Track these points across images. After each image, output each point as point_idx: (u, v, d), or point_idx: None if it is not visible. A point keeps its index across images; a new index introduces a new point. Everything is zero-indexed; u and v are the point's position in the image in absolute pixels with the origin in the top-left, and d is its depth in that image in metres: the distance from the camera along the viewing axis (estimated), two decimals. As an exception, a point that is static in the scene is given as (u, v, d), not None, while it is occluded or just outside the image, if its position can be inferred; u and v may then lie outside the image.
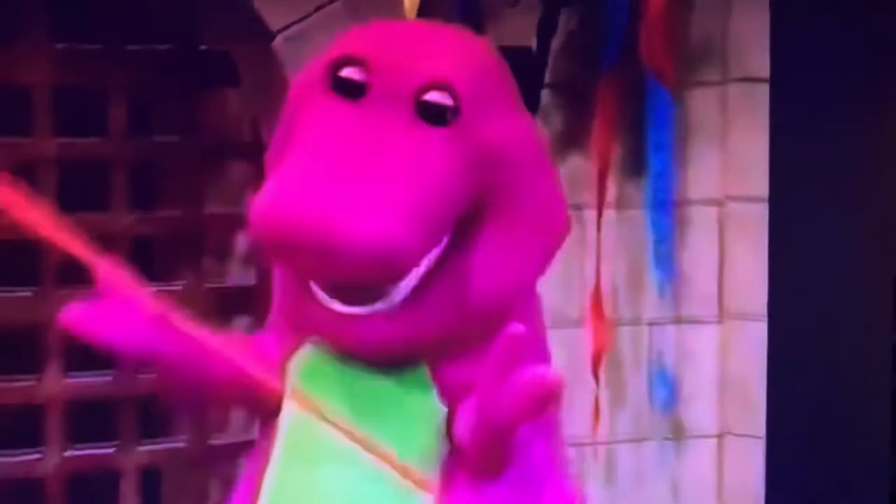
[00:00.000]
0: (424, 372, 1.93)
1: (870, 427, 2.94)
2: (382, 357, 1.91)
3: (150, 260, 2.83)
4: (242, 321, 2.90)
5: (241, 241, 2.98)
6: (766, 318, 3.00)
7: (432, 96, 1.84)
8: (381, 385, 1.94)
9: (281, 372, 1.94)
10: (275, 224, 1.75)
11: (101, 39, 2.77)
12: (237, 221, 2.83)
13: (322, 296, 1.84)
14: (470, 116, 1.86)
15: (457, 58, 1.93)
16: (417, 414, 1.93)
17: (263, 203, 1.77)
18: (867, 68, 2.90)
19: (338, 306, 1.84)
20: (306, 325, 1.94)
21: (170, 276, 2.83)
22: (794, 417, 2.90)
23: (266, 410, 1.98)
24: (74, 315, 1.81)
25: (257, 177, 2.16)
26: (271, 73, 2.73)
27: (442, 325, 1.89)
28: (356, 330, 1.86)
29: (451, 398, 1.91)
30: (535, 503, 1.91)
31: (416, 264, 1.82)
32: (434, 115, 1.84)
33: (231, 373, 1.93)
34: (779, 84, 2.88)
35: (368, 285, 1.82)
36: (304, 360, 1.97)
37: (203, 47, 2.91)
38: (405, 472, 1.74)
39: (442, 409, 1.90)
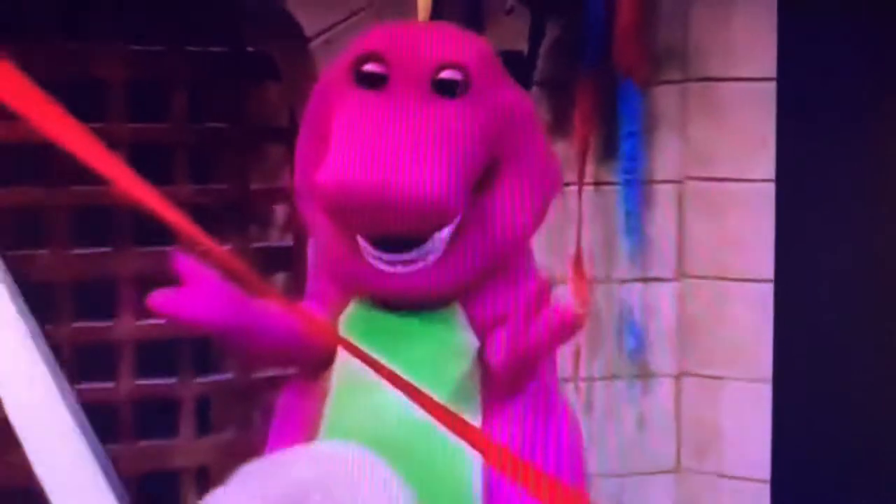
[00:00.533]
0: (458, 312, 2.04)
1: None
2: (424, 302, 2.00)
3: (204, 225, 3.00)
4: (281, 277, 3.09)
5: (280, 211, 3.18)
6: (726, 279, 3.06)
7: (446, 74, 1.97)
8: (422, 330, 2.03)
9: (332, 330, 2.01)
10: (342, 190, 1.87)
11: (165, 41, 2.91)
12: (275, 194, 3.09)
13: (371, 258, 1.96)
14: (478, 88, 1.99)
15: (461, 44, 2.06)
16: (456, 350, 2.03)
17: (329, 176, 1.89)
18: (866, 60, 2.81)
19: (384, 267, 1.95)
20: (353, 285, 2.04)
21: (220, 239, 2.77)
22: (797, 366, 2.91)
23: (320, 365, 2.08)
24: (161, 300, 1.92)
25: (292, 158, 2.30)
26: (307, 70, 2.87)
27: (472, 268, 1.99)
28: (401, 282, 1.96)
29: (482, 330, 2.02)
30: (547, 412, 2.05)
31: (458, 213, 1.92)
32: (449, 90, 1.96)
33: (292, 338, 2.02)
34: (783, 81, 2.84)
35: (418, 234, 1.93)
36: (351, 317, 2.07)
37: (249, 49, 3.06)
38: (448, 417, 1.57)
39: (475, 343, 2.01)
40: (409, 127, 1.91)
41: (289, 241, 3.11)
